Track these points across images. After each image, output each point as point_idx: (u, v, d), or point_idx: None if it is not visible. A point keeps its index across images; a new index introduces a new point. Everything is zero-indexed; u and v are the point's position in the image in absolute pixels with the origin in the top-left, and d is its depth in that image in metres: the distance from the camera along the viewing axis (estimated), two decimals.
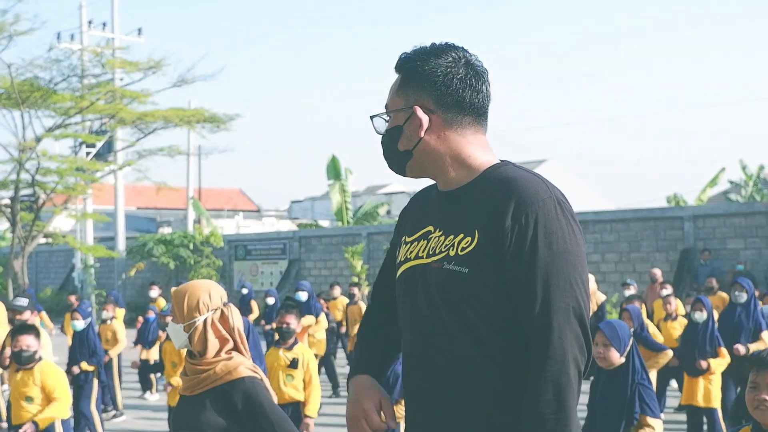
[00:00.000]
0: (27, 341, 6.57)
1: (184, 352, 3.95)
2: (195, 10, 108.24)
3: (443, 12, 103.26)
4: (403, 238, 2.81)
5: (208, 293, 3.84)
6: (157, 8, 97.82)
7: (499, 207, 2.53)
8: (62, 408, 6.71)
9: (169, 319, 4.74)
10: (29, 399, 6.59)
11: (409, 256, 2.74)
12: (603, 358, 5.65)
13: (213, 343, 3.79)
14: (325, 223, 38.14)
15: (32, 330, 6.71)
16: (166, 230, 40.33)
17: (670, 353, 8.95)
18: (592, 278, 16.56)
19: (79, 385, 10.14)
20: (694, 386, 9.12)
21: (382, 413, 2.79)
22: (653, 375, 9.03)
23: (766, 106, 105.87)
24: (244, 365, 3.79)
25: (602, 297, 16.31)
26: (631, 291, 14.65)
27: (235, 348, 3.85)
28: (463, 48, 2.72)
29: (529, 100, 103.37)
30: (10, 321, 10.08)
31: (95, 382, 10.38)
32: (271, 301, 16.50)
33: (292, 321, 7.48)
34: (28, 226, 26.93)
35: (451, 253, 2.58)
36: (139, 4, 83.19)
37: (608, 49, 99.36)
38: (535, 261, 2.48)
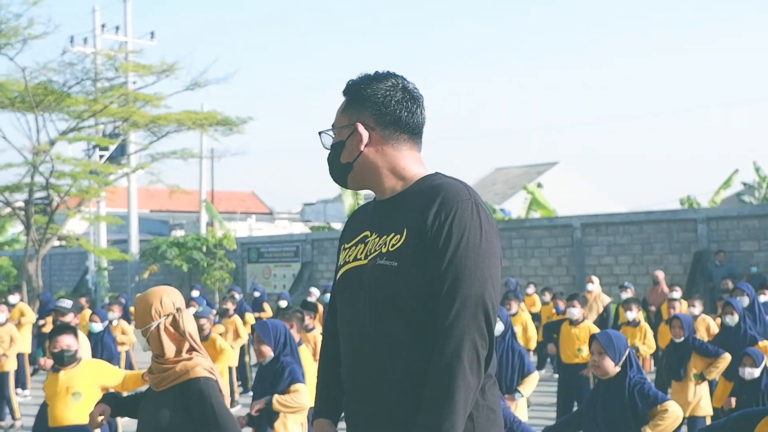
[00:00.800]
0: (67, 341, 6.41)
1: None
2: (207, 14, 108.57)
3: (455, 17, 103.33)
4: (343, 245, 3.12)
5: (160, 300, 4.13)
6: (169, 12, 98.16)
7: (425, 207, 2.85)
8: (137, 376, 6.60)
9: None
10: (77, 395, 6.35)
11: (347, 260, 3.03)
12: (597, 366, 5.70)
13: (168, 346, 4.09)
14: (337, 226, 38.14)
15: (71, 330, 6.55)
16: (178, 233, 40.41)
17: (728, 357, 8.77)
18: (596, 280, 16.51)
19: None
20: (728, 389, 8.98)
21: None
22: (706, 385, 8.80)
23: None
24: (201, 366, 4.09)
25: (607, 299, 16.28)
26: (628, 294, 14.60)
27: (194, 348, 4.15)
28: (402, 76, 3.08)
29: (540, 102, 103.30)
30: (54, 322, 10.18)
31: None
32: (283, 304, 16.54)
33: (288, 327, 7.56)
34: (42, 229, 27.01)
35: (384, 251, 2.88)
36: (151, 8, 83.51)
37: (620, 50, 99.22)
38: (447, 253, 2.78)
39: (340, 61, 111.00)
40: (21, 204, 27.81)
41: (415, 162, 3.06)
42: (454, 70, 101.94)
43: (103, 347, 10.72)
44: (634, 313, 11.46)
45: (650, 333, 11.59)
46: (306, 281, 27.60)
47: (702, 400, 8.78)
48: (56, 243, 30.46)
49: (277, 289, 28.40)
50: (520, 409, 7.86)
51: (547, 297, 16.35)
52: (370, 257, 2.92)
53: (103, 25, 32.44)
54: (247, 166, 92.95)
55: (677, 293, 14.07)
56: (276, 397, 6.38)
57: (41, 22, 42.60)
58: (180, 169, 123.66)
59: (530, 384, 8.01)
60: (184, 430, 3.99)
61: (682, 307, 11.62)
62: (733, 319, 9.21)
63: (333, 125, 3.11)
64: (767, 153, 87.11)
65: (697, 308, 11.60)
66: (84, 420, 6.21)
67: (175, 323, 4.11)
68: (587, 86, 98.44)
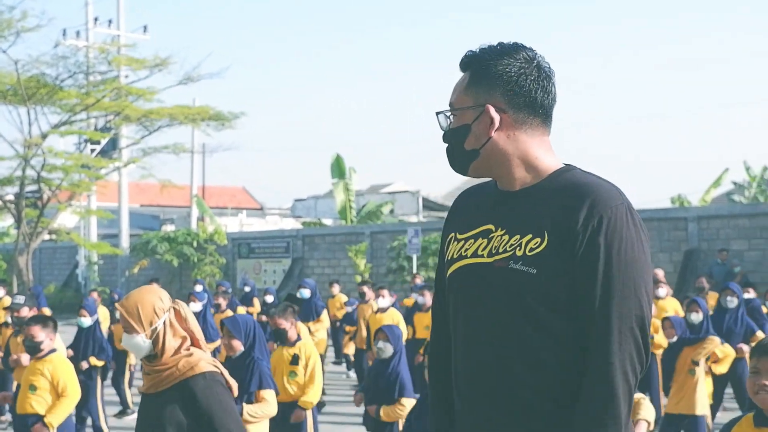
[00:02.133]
0: (32, 331, 6.58)
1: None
2: (200, 8, 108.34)
3: (452, 13, 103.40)
4: (454, 234, 2.75)
5: (159, 297, 3.93)
6: (162, 6, 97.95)
7: (571, 209, 2.50)
8: (71, 405, 6.71)
9: None
10: (33, 388, 6.56)
11: (464, 254, 2.67)
12: None
13: (171, 344, 3.88)
14: (328, 222, 38.16)
15: (39, 321, 6.73)
16: (169, 228, 40.35)
17: (716, 339, 8.82)
18: None
19: (84, 382, 10.10)
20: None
21: None
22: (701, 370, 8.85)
23: None
24: (204, 360, 3.90)
25: None
26: None
27: (192, 343, 3.95)
28: (532, 48, 2.69)
29: None
30: (12, 319, 10.20)
31: (99, 379, 10.43)
32: (269, 299, 16.61)
33: (282, 323, 7.56)
34: (33, 223, 26.98)
35: (518, 253, 2.52)
36: (144, 2, 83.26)
37: (612, 50, 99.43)
38: (603, 266, 2.46)
39: (333, 57, 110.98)
40: (12, 197, 27.79)
41: (548, 150, 2.68)
42: (446, 69, 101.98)
43: (94, 342, 10.62)
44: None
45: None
46: (296, 277, 27.61)
47: (700, 399, 8.80)
48: (47, 237, 30.47)
49: (268, 284, 28.40)
50: None
51: None
52: (497, 257, 2.56)
53: (95, 19, 32.37)
54: (238, 162, 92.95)
55: (665, 290, 14.07)
56: (246, 409, 6.35)
57: (34, 14, 42.44)
58: (171, 163, 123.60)
59: None
60: (191, 426, 3.82)
61: (667, 304, 11.65)
62: (697, 317, 9.23)
63: (452, 105, 2.69)
64: (757, 153, 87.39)
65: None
66: (36, 410, 6.54)
67: (178, 316, 3.93)
68: (580, 87, 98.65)
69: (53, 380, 6.60)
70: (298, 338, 7.57)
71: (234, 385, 4.06)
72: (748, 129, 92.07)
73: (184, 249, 30.71)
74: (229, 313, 13.74)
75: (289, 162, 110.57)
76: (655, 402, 9.84)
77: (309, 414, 7.46)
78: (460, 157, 2.68)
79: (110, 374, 12.19)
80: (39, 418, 6.55)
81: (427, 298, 12.28)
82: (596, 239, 2.46)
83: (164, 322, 3.88)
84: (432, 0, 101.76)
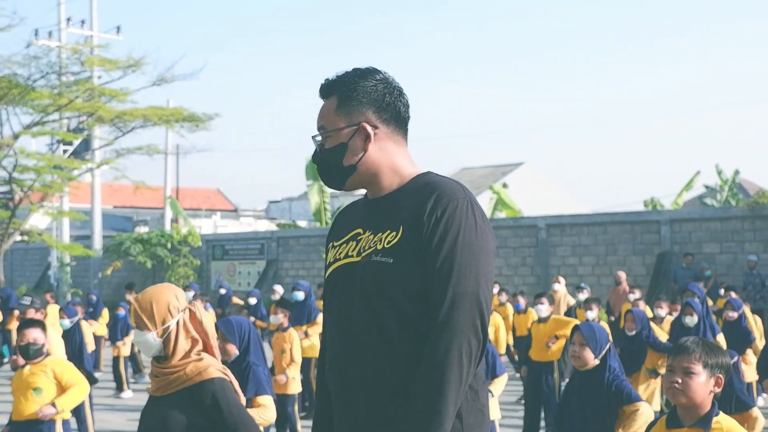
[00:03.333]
0: (34, 335, 6.45)
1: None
2: (174, 10, 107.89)
3: (420, 13, 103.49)
4: (331, 243, 3.05)
5: (175, 295, 3.84)
6: (136, 7, 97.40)
7: (420, 204, 2.81)
8: (82, 393, 6.61)
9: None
10: (38, 390, 6.41)
11: (338, 257, 2.97)
12: (578, 357, 5.74)
13: (182, 346, 3.79)
14: (303, 224, 38.11)
15: (38, 324, 6.60)
16: (143, 229, 40.14)
17: None
18: (562, 281, 16.68)
19: None
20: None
21: None
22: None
23: (741, 111, 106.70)
24: (214, 366, 3.82)
25: (572, 300, 16.43)
26: (585, 294, 14.65)
27: (205, 348, 3.86)
28: (382, 70, 3.00)
29: (506, 103, 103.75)
30: (19, 319, 10.15)
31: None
32: (253, 301, 16.53)
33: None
34: (4, 224, 26.77)
35: (379, 247, 2.83)
36: (117, 3, 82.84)
37: (585, 54, 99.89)
38: (442, 250, 2.75)
39: (307, 59, 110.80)
40: None
41: (409, 159, 3.00)
42: (420, 71, 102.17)
43: (74, 344, 10.68)
44: (594, 313, 11.48)
45: (608, 331, 11.68)
46: (271, 279, 27.54)
47: (654, 395, 8.99)
48: (18, 238, 30.17)
49: (242, 286, 28.31)
50: (492, 408, 7.91)
51: (504, 297, 16.28)
52: (363, 254, 2.87)
53: (68, 19, 32.13)
54: (212, 163, 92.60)
55: (635, 295, 14.16)
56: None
57: (5, 14, 42.17)
58: (145, 165, 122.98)
59: (500, 384, 8.07)
60: (200, 430, 3.75)
61: (642, 309, 11.72)
62: (692, 320, 9.34)
63: (324, 128, 2.97)
64: (729, 156, 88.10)
65: (664, 310, 11.70)
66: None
67: (192, 317, 3.86)
68: (553, 89, 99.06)
69: (60, 380, 6.51)
70: (287, 328, 7.80)
71: (241, 393, 3.99)
72: (720, 133, 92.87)
73: (157, 251, 30.56)
74: None
75: (264, 163, 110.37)
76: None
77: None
78: (337, 174, 2.95)
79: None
80: (45, 423, 6.40)
81: None
82: (438, 227, 2.76)
83: (177, 322, 3.80)
84: (407, 8, 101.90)
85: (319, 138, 2.98)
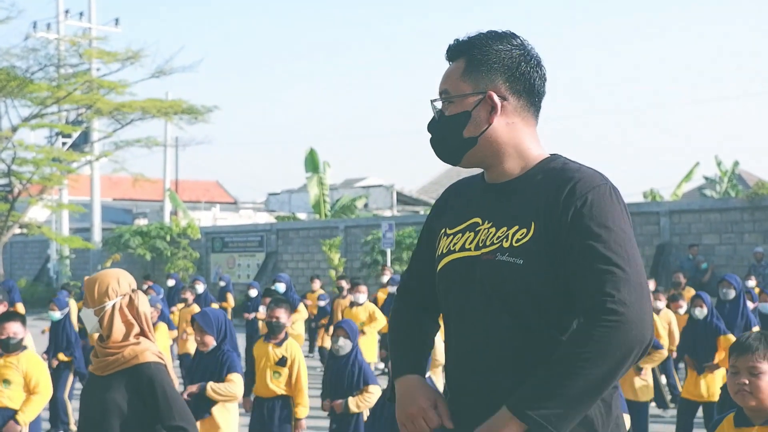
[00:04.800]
0: (14, 328, 6.54)
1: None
2: (173, 1, 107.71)
3: (429, 9, 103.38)
4: (444, 230, 2.71)
5: (117, 280, 4.08)
6: None
7: (555, 196, 2.47)
8: (43, 402, 6.67)
9: None
10: (7, 382, 6.52)
11: (453, 248, 2.65)
12: None
13: (118, 328, 4.02)
14: (302, 216, 38.07)
15: (18, 317, 6.71)
16: (142, 222, 40.12)
17: (664, 352, 9.03)
18: None
19: (56, 373, 10.21)
20: (699, 381, 9.14)
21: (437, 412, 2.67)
22: (648, 371, 9.09)
23: (741, 102, 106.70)
24: (150, 350, 4.04)
25: None
26: None
27: (142, 333, 4.09)
28: (521, 36, 2.66)
29: None
30: None
31: (70, 376, 10.48)
32: (253, 293, 16.56)
33: (282, 315, 7.44)
34: (4, 216, 26.76)
35: (505, 245, 2.50)
36: None
37: (585, 45, 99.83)
38: (591, 235, 2.40)
39: (307, 51, 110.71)
40: None
41: (536, 140, 2.66)
42: (418, 62, 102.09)
43: (63, 334, 10.73)
44: None
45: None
46: (270, 271, 27.53)
47: (645, 386, 9.03)
48: (17, 231, 30.17)
49: (242, 279, 28.31)
50: None
51: None
52: (484, 250, 2.54)
53: (66, 11, 32.09)
54: (211, 156, 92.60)
55: (650, 287, 14.15)
56: (210, 384, 6.44)
57: (4, 6, 42.16)
58: (144, 157, 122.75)
59: None
60: (133, 413, 3.93)
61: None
62: (702, 312, 9.31)
63: (447, 92, 2.62)
64: (729, 147, 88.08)
65: (662, 302, 11.67)
66: (10, 405, 6.50)
67: (130, 304, 4.07)
68: (551, 80, 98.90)
69: (26, 377, 6.56)
70: (286, 337, 7.48)
71: (175, 378, 4.15)
72: (719, 124, 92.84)
73: (157, 243, 30.56)
74: (196, 307, 13.69)
75: (263, 156, 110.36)
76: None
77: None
78: (455, 145, 2.61)
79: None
80: (11, 413, 6.51)
81: None
82: (581, 214, 2.42)
83: (114, 305, 4.03)
84: None
85: (439, 104, 2.63)
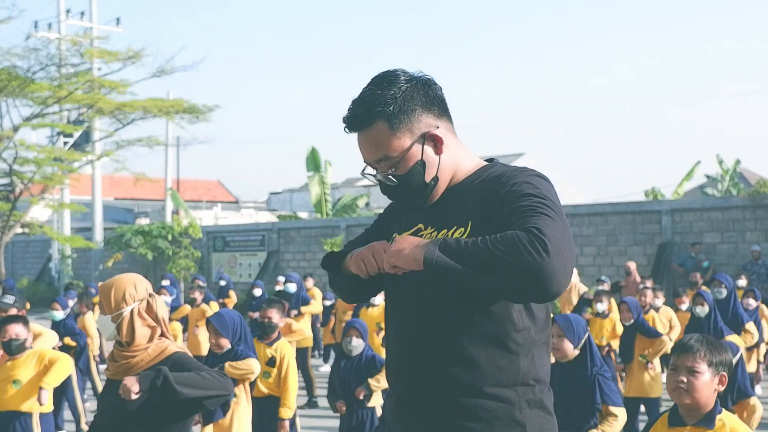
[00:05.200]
0: (16, 330, 6.53)
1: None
2: (174, 1, 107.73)
3: (425, 10, 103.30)
4: (395, 235, 2.84)
5: (134, 285, 4.06)
6: None
7: (495, 191, 2.61)
8: (67, 367, 6.65)
9: None
10: (17, 382, 6.48)
11: None
12: (557, 348, 5.77)
13: (141, 332, 4.00)
14: (304, 215, 38.09)
15: (20, 319, 6.69)
16: (143, 221, 40.15)
17: (666, 339, 9.07)
18: (574, 271, 16.63)
19: None
20: None
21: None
22: (656, 364, 9.11)
23: (742, 101, 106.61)
24: (174, 345, 4.08)
25: (584, 288, 16.44)
26: (604, 287, 14.66)
27: (162, 335, 4.09)
28: (395, 68, 2.76)
29: (507, 93, 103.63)
30: None
31: (76, 368, 10.61)
32: (258, 292, 16.61)
33: (273, 315, 7.46)
34: (5, 216, 26.78)
35: None
36: None
37: (586, 43, 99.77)
38: (523, 196, 2.53)
39: (308, 51, 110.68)
40: None
41: (466, 148, 2.85)
42: (419, 62, 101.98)
43: (66, 330, 10.83)
44: (605, 305, 11.41)
45: (620, 326, 11.60)
46: (272, 270, 27.53)
47: (655, 381, 9.06)
48: (19, 230, 30.19)
49: (243, 278, 28.31)
50: None
51: None
52: None
53: (67, 11, 32.09)
54: (213, 155, 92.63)
55: (648, 285, 14.14)
56: (228, 362, 6.51)
57: (5, 6, 42.17)
58: (145, 156, 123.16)
59: None
60: (155, 410, 3.88)
61: (647, 298, 11.69)
62: (703, 310, 9.34)
63: (387, 157, 2.69)
64: (730, 146, 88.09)
65: (660, 300, 11.70)
66: (21, 406, 6.46)
67: (149, 308, 4.05)
68: (554, 80, 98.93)
69: (40, 361, 6.55)
70: (278, 337, 7.48)
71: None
72: (721, 122, 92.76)
73: (158, 242, 30.56)
74: (205, 306, 13.71)
75: (265, 155, 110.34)
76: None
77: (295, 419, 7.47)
78: (423, 193, 2.73)
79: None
80: (24, 416, 6.48)
81: None
82: (513, 192, 2.55)
83: (132, 311, 4.00)
84: None
85: (384, 170, 2.72)
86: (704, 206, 21.26)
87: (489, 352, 2.62)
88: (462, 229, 2.63)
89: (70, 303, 13.20)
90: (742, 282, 15.07)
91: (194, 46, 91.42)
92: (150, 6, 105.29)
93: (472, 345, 2.63)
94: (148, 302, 4.06)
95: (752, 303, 11.69)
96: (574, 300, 15.52)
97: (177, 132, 37.05)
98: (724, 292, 10.55)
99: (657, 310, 11.46)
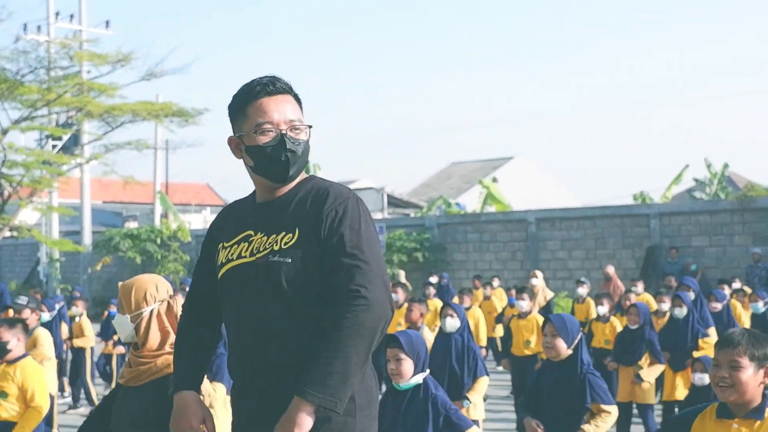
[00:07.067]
0: (1, 333, 6.38)
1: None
2: (164, 4, 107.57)
3: (411, 10, 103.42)
4: (221, 244, 3.25)
5: (155, 285, 3.98)
6: (125, 1, 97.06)
7: (318, 206, 3.08)
8: (39, 416, 6.41)
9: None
10: (3, 394, 6.32)
11: (231, 258, 3.17)
12: (550, 347, 5.79)
13: (154, 335, 3.90)
14: None
15: (5, 321, 6.56)
16: (132, 225, 40.03)
17: (661, 367, 9.09)
18: (540, 275, 16.59)
19: (75, 359, 11.41)
20: (677, 382, 9.18)
21: (204, 429, 3.23)
22: (647, 378, 9.08)
23: (731, 104, 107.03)
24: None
25: (550, 294, 16.54)
26: (585, 289, 14.72)
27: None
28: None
29: (495, 96, 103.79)
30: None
31: (86, 357, 11.73)
32: None
33: None
34: None
35: (276, 248, 3.06)
36: None
37: (575, 46, 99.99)
38: (344, 238, 3.01)
39: (296, 53, 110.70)
40: None
41: None
42: (409, 63, 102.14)
43: (52, 335, 10.83)
44: (605, 308, 11.03)
45: (620, 327, 11.46)
46: None
47: (649, 387, 9.07)
48: (7, 233, 30.07)
49: None
50: (473, 412, 7.76)
51: (489, 291, 16.47)
52: (258, 255, 3.09)
53: (57, 13, 32.01)
54: (202, 158, 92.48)
55: (639, 288, 14.16)
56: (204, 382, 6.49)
57: None
58: (134, 160, 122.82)
59: (480, 389, 7.81)
60: (166, 424, 3.67)
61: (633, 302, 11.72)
62: (681, 312, 9.40)
63: (301, 120, 3.26)
64: (718, 150, 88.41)
65: (666, 304, 11.68)
66: (9, 417, 6.27)
67: (169, 309, 3.96)
68: (543, 81, 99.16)
69: (22, 387, 6.34)
70: None
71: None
72: (709, 126, 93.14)
73: (147, 246, 30.51)
74: None
75: None
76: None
77: None
78: (300, 167, 3.20)
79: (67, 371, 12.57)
80: (10, 425, 6.31)
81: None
82: (335, 221, 3.04)
83: (152, 311, 3.91)
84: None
85: (303, 130, 3.24)
86: (693, 210, 21.36)
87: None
88: (290, 235, 3.06)
89: (57, 306, 13.18)
90: (737, 285, 15.14)
91: (184, 50, 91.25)
92: (140, 9, 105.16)
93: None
94: (168, 303, 3.97)
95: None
96: (542, 303, 15.62)
97: (166, 135, 36.93)
98: (719, 307, 10.76)
99: (663, 315, 11.39)
